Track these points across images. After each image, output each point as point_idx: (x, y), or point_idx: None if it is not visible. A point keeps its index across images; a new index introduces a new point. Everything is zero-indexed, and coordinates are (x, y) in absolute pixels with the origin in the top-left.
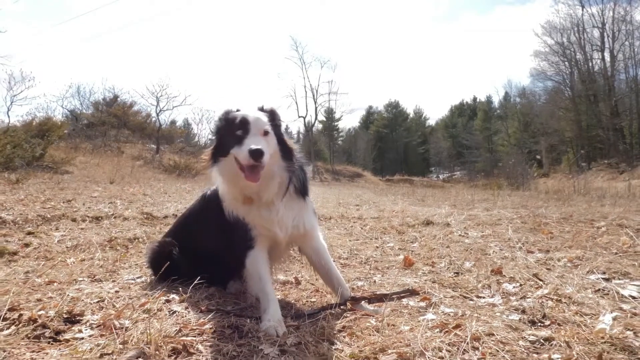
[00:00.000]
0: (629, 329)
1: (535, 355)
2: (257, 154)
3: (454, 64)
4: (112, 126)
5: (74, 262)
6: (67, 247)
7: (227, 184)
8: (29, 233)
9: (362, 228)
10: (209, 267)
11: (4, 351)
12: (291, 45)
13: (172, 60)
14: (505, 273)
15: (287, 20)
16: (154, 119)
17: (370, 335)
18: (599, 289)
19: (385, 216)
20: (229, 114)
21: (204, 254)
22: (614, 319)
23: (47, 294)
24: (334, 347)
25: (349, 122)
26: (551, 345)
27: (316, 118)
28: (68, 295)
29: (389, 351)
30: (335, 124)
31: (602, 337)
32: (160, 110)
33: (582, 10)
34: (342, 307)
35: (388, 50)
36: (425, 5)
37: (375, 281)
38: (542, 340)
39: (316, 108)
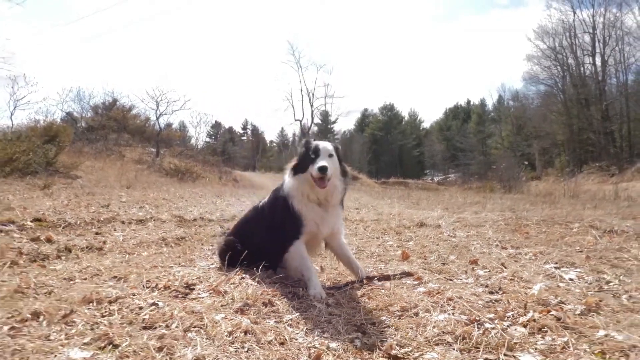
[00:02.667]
0: (552, 295)
1: (487, 308)
2: (323, 169)
3: (448, 68)
4: (112, 130)
5: (148, 256)
6: (133, 244)
7: (302, 191)
8: (97, 233)
9: (364, 229)
10: (263, 257)
11: (164, 302)
12: (288, 50)
13: (169, 63)
14: (480, 263)
15: (285, 23)
16: (153, 122)
17: (382, 297)
18: (548, 274)
19: (384, 219)
20: (309, 144)
21: (259, 248)
22: (544, 287)
23: (161, 273)
24: (359, 304)
25: (344, 124)
26: (499, 302)
27: (312, 121)
28: (177, 274)
29: (395, 305)
30: (331, 126)
31: (532, 298)
32: (160, 114)
33: (574, 15)
34: (360, 283)
35: (383, 53)
36: (423, 6)
37: (380, 268)
38: (493, 300)
39: (312, 111)
